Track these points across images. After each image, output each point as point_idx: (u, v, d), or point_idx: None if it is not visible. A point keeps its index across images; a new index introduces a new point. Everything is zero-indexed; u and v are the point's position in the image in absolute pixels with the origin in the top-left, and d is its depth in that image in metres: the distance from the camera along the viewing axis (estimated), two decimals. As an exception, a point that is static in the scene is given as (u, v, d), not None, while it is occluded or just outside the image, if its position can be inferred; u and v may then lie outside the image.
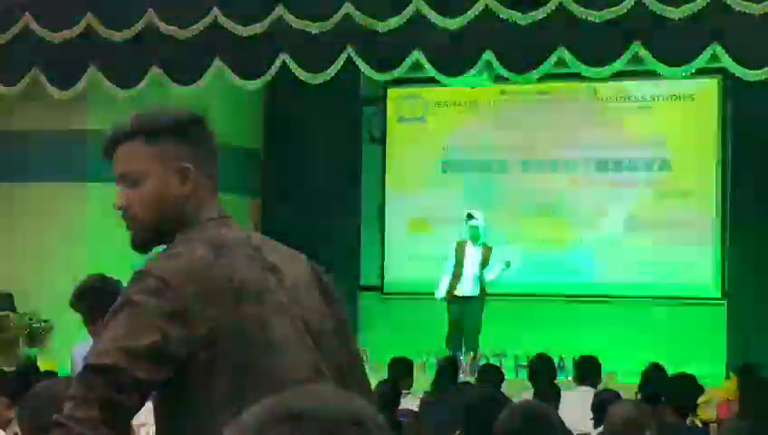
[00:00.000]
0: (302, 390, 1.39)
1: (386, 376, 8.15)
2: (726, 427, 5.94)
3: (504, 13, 10.60)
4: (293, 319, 2.54)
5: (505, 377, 8.99)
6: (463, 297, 12.19)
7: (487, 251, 12.37)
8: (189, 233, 2.57)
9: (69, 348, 6.40)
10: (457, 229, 12.93)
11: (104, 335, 2.42)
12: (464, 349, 12.00)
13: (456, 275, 12.28)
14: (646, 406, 5.13)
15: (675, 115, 13.97)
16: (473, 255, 12.29)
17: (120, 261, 5.21)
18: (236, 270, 2.50)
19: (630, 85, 13.98)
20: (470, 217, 12.50)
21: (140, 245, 2.65)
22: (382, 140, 15.03)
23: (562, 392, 7.78)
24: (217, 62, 11.56)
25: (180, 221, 2.60)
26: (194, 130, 2.64)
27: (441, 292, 12.34)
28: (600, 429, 5.98)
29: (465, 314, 12.19)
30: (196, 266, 2.47)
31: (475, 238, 12.40)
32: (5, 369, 9.50)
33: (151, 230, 2.62)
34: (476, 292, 12.21)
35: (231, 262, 2.51)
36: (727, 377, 11.20)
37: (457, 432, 3.64)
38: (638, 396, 7.10)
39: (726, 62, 10.65)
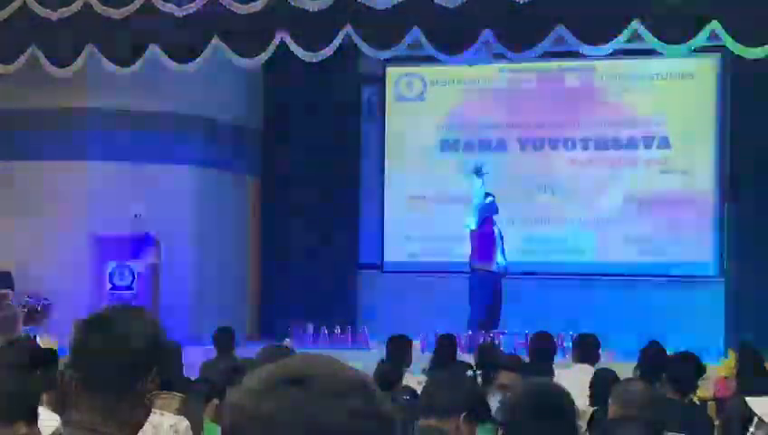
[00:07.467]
0: (302, 356, 1.41)
1: (385, 354, 8.17)
2: (730, 405, 5.94)
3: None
4: None
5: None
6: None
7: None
8: None
9: (68, 327, 6.38)
10: (456, 207, 12.90)
11: None
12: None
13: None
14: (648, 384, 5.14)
15: (674, 93, 13.95)
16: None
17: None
18: None
19: (630, 63, 13.95)
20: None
21: None
22: (381, 119, 15.01)
23: (561, 370, 7.78)
24: (216, 41, 11.51)
25: None
26: None
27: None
28: (596, 407, 5.99)
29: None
30: None
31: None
32: (5, 347, 9.49)
33: None
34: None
35: None
36: (725, 355, 11.21)
37: (462, 414, 3.62)
38: (637, 373, 7.09)
39: (725, 39, 10.62)
